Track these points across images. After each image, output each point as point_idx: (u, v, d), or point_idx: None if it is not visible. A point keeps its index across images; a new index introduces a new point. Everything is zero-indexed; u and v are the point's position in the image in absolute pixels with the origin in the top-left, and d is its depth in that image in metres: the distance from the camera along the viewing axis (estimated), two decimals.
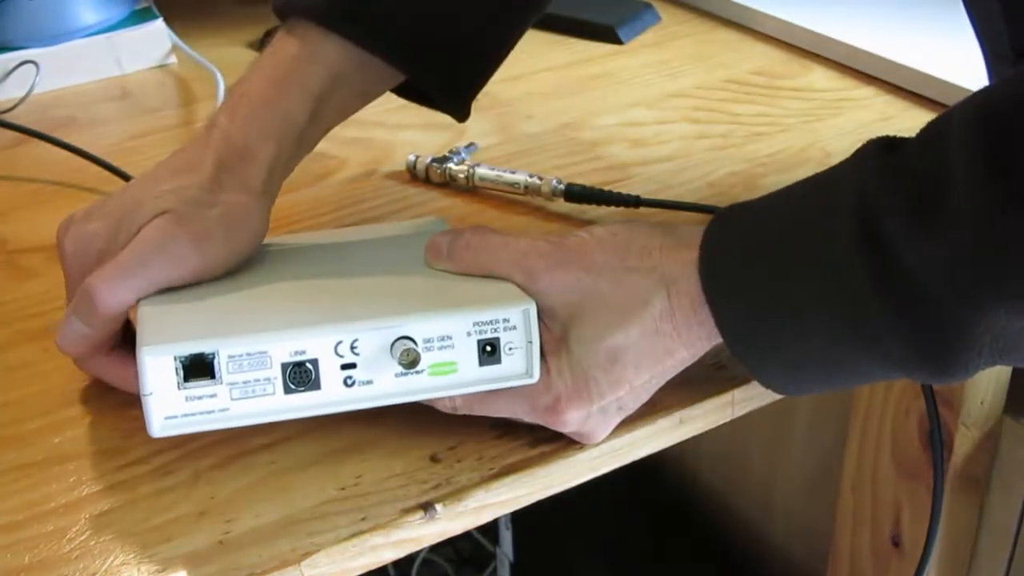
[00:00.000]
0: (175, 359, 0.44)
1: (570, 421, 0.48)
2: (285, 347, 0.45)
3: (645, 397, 0.50)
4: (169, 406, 0.45)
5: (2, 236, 0.68)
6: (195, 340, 0.45)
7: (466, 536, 1.23)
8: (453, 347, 0.47)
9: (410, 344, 0.46)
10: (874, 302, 0.41)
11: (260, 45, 0.95)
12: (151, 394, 0.44)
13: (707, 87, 0.85)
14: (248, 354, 0.45)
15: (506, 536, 1.20)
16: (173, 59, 0.93)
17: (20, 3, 0.87)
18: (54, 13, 0.88)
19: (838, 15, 0.91)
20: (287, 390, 0.46)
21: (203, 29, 0.98)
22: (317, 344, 0.46)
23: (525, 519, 1.18)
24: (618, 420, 0.50)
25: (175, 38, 0.92)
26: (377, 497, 0.48)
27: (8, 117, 0.81)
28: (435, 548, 1.28)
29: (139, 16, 0.92)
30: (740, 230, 0.46)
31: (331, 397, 0.46)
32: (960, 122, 0.41)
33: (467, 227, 0.52)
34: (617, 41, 0.94)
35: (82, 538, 0.46)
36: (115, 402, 0.53)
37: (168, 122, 0.83)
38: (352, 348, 0.46)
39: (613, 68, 0.89)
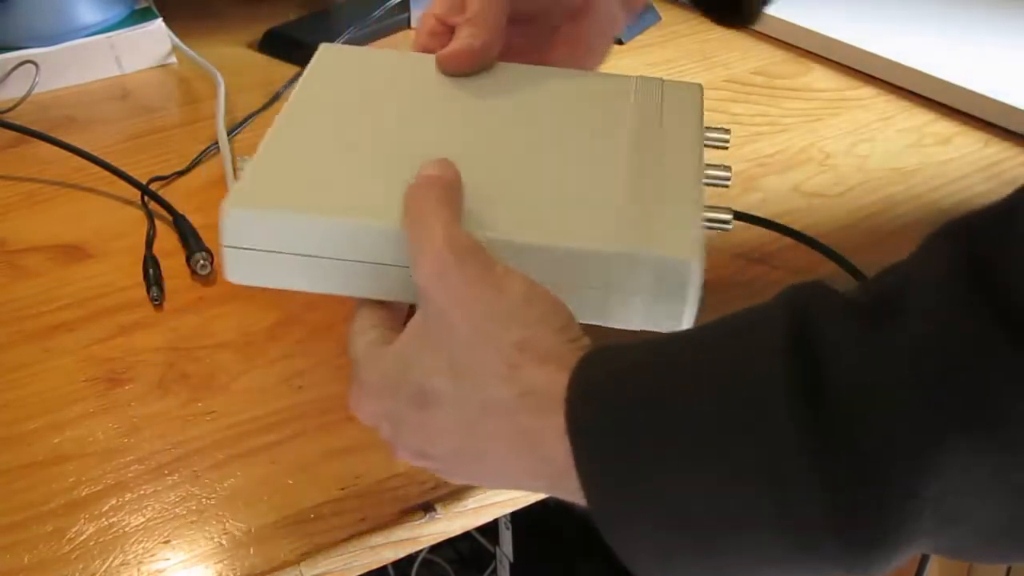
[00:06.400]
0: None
1: (359, 414, 0.44)
2: None
3: (461, 478, 0.43)
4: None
5: (1, 236, 0.68)
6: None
7: (466, 536, 1.22)
8: None
9: None
10: (784, 425, 0.31)
11: (260, 45, 0.95)
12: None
13: (707, 87, 0.84)
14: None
15: (506, 536, 1.20)
16: (173, 59, 0.93)
17: (20, 3, 0.87)
18: (54, 13, 0.88)
19: (838, 15, 0.91)
20: None
21: (203, 29, 0.98)
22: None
23: (525, 519, 1.18)
24: (430, 468, 0.43)
25: (175, 38, 0.92)
26: (377, 497, 0.48)
27: (8, 117, 0.81)
28: (435, 548, 1.28)
29: (139, 16, 0.92)
30: (621, 365, 0.36)
31: None
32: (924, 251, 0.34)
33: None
34: (617, 41, 0.93)
35: (81, 538, 0.46)
36: (115, 402, 0.54)
37: (168, 122, 0.83)
38: None
39: (613, 67, 0.89)
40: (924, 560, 0.60)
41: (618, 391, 0.35)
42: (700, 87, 0.53)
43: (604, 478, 0.35)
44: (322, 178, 0.46)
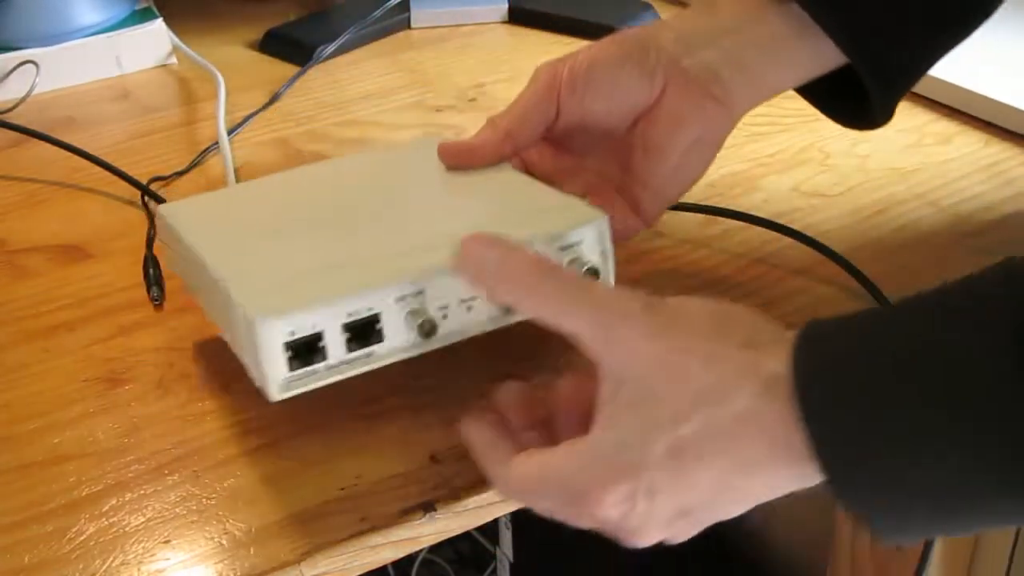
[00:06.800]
0: None
1: (606, 510, 0.41)
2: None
3: (728, 511, 0.41)
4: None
5: (1, 236, 0.68)
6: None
7: (466, 536, 1.22)
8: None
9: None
10: (1017, 403, 0.34)
11: (260, 45, 0.95)
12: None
13: None
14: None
15: (506, 536, 1.20)
16: (173, 59, 0.93)
17: (20, 3, 0.87)
18: (54, 13, 0.88)
19: None
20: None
21: (203, 29, 0.98)
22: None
23: (525, 519, 1.18)
24: (683, 526, 0.42)
25: (175, 38, 0.92)
26: (377, 497, 0.48)
27: (8, 117, 0.81)
28: (435, 548, 1.28)
29: (139, 16, 0.92)
30: (844, 339, 0.38)
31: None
32: None
33: (508, 246, 0.44)
34: None
35: (82, 538, 0.46)
36: (115, 402, 0.53)
37: (168, 122, 0.83)
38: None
39: None
40: (924, 560, 0.60)
41: (848, 373, 0.37)
42: (592, 219, 0.49)
43: (837, 458, 0.37)
44: (226, 218, 0.54)
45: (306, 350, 0.44)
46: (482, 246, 0.43)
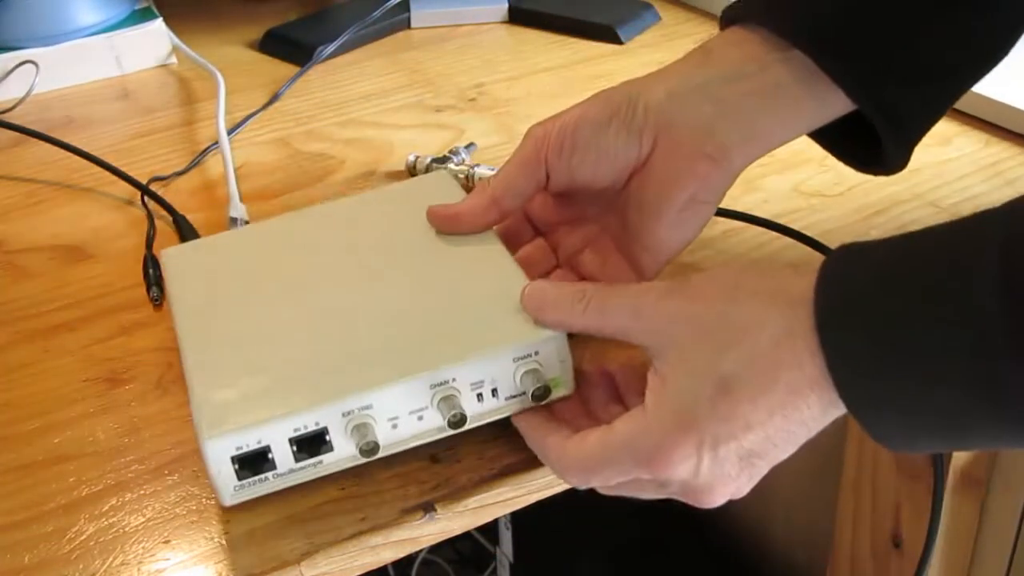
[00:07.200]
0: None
1: (676, 468, 0.42)
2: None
3: (779, 451, 0.43)
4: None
5: (1, 236, 0.68)
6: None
7: (466, 536, 1.22)
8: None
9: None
10: (1011, 358, 0.36)
11: (260, 45, 0.95)
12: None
13: None
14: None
15: (506, 536, 1.20)
16: (173, 59, 0.93)
17: (20, 3, 0.87)
18: (54, 13, 0.88)
19: None
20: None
21: (203, 29, 0.98)
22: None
23: (525, 519, 1.18)
24: (745, 476, 0.44)
25: (175, 38, 0.92)
26: (377, 497, 0.48)
27: (8, 117, 0.81)
28: (435, 548, 1.28)
29: (139, 16, 0.92)
30: (862, 263, 0.40)
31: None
32: None
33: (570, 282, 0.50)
34: (617, 41, 0.94)
35: (82, 538, 0.46)
36: (115, 402, 0.54)
37: (168, 122, 0.83)
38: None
39: (613, 68, 0.89)
40: (924, 560, 0.60)
41: (860, 312, 0.39)
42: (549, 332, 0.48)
43: (852, 386, 0.40)
44: (214, 278, 0.54)
45: (254, 460, 0.45)
46: (536, 288, 0.48)
